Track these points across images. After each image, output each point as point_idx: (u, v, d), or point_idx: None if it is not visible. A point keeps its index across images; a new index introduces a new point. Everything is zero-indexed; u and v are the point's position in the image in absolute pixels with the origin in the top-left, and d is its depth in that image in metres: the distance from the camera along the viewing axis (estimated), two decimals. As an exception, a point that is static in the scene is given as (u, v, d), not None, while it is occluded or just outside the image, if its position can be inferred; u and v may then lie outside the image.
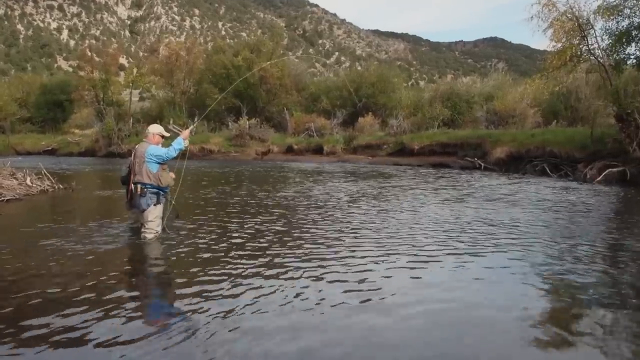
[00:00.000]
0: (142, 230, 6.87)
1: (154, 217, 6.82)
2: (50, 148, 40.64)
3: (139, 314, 4.17)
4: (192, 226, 7.96)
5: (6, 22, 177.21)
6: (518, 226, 8.25)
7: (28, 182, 12.65)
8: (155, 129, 7.13)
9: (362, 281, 5.10)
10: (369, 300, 4.53)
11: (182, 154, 6.99)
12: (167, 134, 7.19)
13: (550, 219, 9.20)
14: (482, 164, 22.54)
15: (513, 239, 7.23)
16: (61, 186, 13.40)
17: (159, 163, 6.73)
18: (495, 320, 4.17)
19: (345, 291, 4.76)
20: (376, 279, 5.18)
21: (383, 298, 4.59)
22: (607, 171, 16.71)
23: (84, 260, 5.82)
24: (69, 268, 5.47)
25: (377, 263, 5.80)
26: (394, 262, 5.84)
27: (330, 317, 4.13)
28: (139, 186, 6.68)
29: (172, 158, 6.78)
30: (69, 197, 12.44)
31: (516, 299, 4.65)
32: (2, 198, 10.84)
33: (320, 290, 4.77)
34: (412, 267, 5.64)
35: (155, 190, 6.76)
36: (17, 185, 12.11)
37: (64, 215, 9.56)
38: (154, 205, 6.77)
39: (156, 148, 6.80)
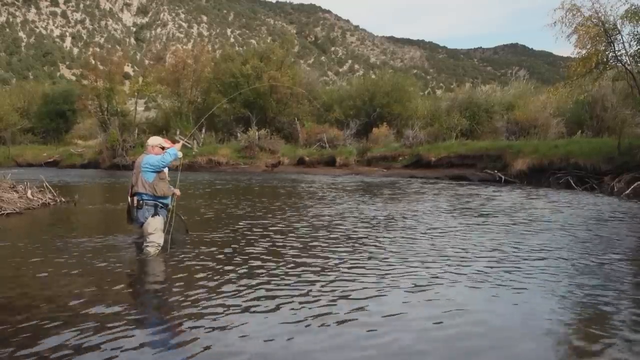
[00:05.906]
0: (144, 244, 6.81)
1: (153, 229, 6.74)
2: (52, 160, 40.01)
3: (136, 331, 4.10)
4: (196, 241, 7.86)
5: (7, 29, 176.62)
6: (547, 248, 7.56)
7: (29, 195, 12.46)
8: (155, 141, 7.21)
9: (380, 298, 5.06)
10: (387, 316, 4.50)
11: (175, 167, 7.16)
12: (167, 145, 7.15)
13: (582, 239, 8.43)
14: (503, 177, 21.78)
15: (543, 261, 6.73)
16: (63, 199, 13.18)
17: (155, 171, 6.76)
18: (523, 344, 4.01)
19: (359, 309, 4.69)
20: (397, 302, 4.99)
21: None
22: (635, 184, 16.11)
23: (83, 276, 5.78)
24: (68, 284, 5.44)
25: (400, 286, 5.53)
26: (419, 285, 5.55)
27: (344, 339, 4.02)
28: (135, 198, 6.73)
29: (168, 163, 6.80)
30: (71, 210, 12.18)
31: (544, 325, 4.37)
32: (2, 212, 10.69)
33: (336, 319, 4.46)
34: (439, 291, 5.34)
35: (152, 201, 6.75)
36: (18, 199, 11.93)
37: (66, 229, 9.40)
38: (152, 217, 6.75)
39: (151, 156, 6.84)
